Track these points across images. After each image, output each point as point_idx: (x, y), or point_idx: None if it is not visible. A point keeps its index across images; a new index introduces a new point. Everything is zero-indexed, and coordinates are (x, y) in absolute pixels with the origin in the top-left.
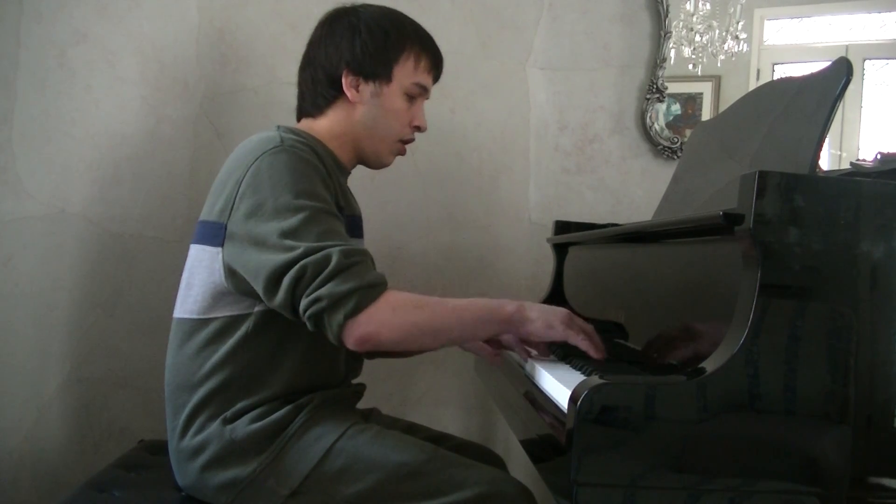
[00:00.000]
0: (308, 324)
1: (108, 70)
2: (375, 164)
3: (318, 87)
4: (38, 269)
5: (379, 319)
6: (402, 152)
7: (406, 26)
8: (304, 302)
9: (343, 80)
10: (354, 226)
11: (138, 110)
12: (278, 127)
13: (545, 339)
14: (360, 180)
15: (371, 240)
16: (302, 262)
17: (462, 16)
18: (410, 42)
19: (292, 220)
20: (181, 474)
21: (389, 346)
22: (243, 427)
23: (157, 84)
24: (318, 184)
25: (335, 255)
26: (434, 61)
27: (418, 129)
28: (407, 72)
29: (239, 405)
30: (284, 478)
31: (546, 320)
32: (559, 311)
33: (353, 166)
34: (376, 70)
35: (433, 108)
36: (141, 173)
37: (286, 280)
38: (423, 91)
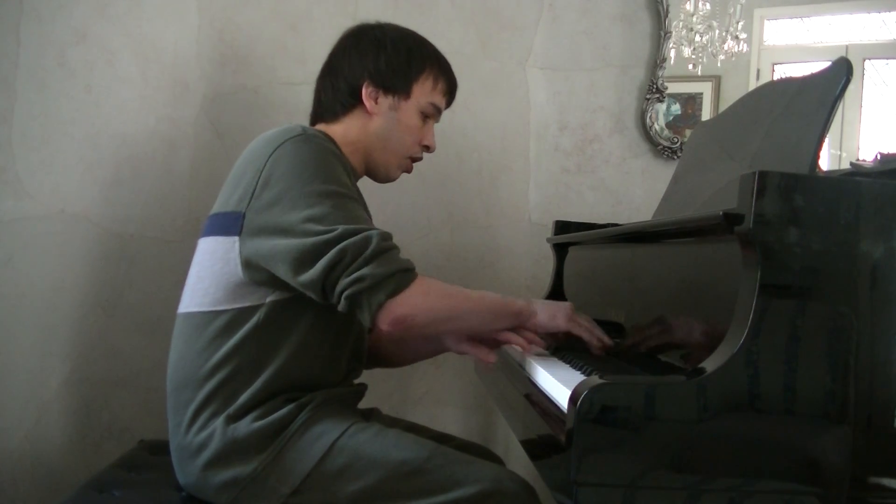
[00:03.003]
0: (343, 303)
1: (108, 70)
2: (383, 176)
3: (337, 95)
4: (38, 269)
5: (413, 303)
6: (409, 169)
7: (428, 48)
8: (343, 281)
9: (363, 91)
10: None
11: (138, 110)
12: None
13: (550, 329)
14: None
15: None
16: (342, 245)
17: (462, 16)
18: (430, 63)
19: (322, 207)
20: (182, 473)
21: (419, 328)
22: (245, 426)
23: (157, 84)
24: (342, 172)
25: (374, 237)
26: (450, 86)
27: (427, 148)
28: (425, 91)
29: (242, 399)
30: (286, 476)
31: (550, 312)
32: (562, 305)
33: (362, 176)
34: (396, 84)
35: None
36: (141, 173)
37: (324, 260)
38: (437, 112)
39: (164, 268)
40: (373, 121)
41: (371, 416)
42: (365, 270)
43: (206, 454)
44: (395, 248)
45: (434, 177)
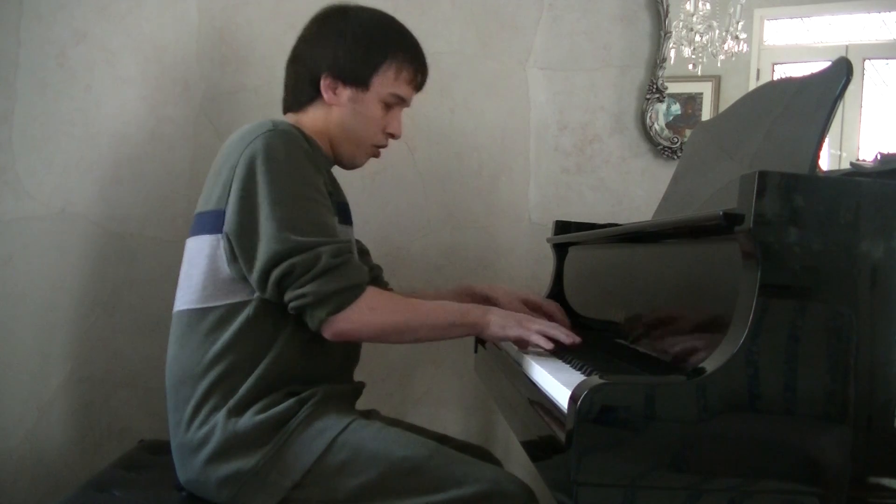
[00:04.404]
0: (291, 311)
1: (108, 70)
2: (348, 164)
3: (300, 84)
4: (38, 269)
5: (357, 319)
6: (377, 155)
7: (392, 35)
8: (289, 294)
9: (322, 82)
10: (343, 212)
11: (138, 110)
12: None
13: (503, 339)
14: (360, 180)
15: (371, 240)
16: (291, 261)
17: (462, 16)
18: (393, 52)
19: (285, 209)
20: (184, 470)
21: (364, 340)
22: (247, 419)
23: (157, 84)
24: (310, 169)
25: (324, 255)
26: (415, 73)
27: (392, 136)
28: (386, 82)
29: (241, 392)
30: (287, 471)
31: (501, 323)
32: (515, 314)
33: (334, 163)
34: (354, 77)
35: (433, 108)
36: (141, 173)
37: (274, 275)
38: (401, 101)
39: (164, 268)
40: (333, 112)
41: (370, 417)
42: (308, 288)
43: (208, 449)
44: (345, 263)
45: (434, 177)
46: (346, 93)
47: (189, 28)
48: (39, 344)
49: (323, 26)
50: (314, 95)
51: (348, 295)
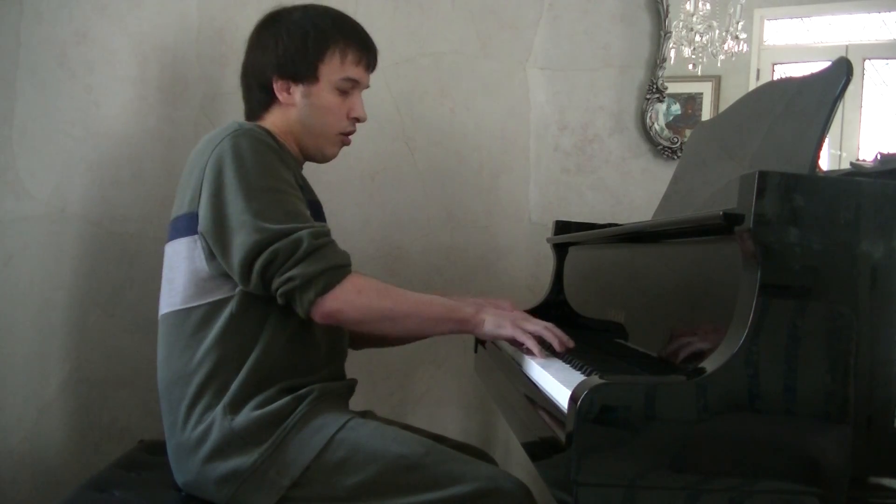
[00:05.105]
0: (280, 300)
1: (108, 70)
2: (320, 158)
3: (253, 94)
4: (38, 269)
5: (345, 299)
6: (347, 143)
7: (328, 23)
8: (276, 281)
9: (274, 85)
10: (316, 211)
11: (138, 110)
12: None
13: (497, 338)
14: (360, 180)
15: (371, 240)
16: (273, 247)
17: (462, 16)
18: (333, 39)
19: (258, 201)
20: (181, 471)
21: (350, 323)
22: (244, 416)
23: (157, 84)
24: (278, 164)
25: (305, 238)
26: (361, 53)
27: (357, 119)
28: (333, 69)
29: (234, 388)
30: (286, 468)
31: (496, 321)
32: (510, 314)
33: (304, 162)
34: (301, 72)
35: (433, 108)
36: (141, 173)
37: (257, 264)
38: (356, 84)
39: None
40: (291, 111)
41: (366, 417)
42: (295, 271)
43: (207, 447)
44: (327, 244)
45: (434, 177)
46: (298, 90)
47: (189, 28)
48: (39, 344)
49: (262, 34)
50: (270, 100)
51: (335, 274)
